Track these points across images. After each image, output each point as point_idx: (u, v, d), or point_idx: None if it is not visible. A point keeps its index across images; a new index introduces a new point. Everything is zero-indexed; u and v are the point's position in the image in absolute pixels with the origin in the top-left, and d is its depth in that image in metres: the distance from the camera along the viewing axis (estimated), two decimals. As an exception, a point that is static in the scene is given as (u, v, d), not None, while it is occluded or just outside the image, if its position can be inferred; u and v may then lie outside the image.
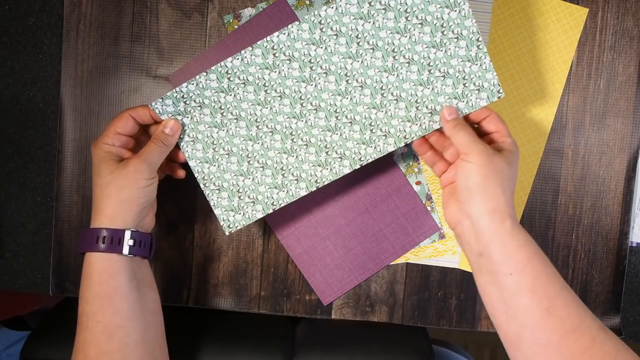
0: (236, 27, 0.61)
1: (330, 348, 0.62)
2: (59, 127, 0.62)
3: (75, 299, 0.65)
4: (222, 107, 0.55)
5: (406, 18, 0.52)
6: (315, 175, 0.56)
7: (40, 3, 0.62)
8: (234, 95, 0.54)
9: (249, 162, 0.56)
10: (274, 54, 0.53)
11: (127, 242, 0.50)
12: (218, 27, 0.62)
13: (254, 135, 0.55)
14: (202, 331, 0.63)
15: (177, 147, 0.56)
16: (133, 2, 0.62)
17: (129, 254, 0.50)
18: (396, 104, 0.54)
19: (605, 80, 0.62)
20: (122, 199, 0.50)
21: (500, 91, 0.53)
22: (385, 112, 0.54)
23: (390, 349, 0.62)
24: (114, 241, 0.50)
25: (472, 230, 0.49)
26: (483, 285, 0.50)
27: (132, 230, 0.51)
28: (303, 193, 0.56)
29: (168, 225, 0.63)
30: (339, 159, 0.55)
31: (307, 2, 0.61)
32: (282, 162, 0.56)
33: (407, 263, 0.63)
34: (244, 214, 0.56)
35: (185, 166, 0.57)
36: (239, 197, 0.56)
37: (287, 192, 0.56)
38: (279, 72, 0.54)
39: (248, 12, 0.61)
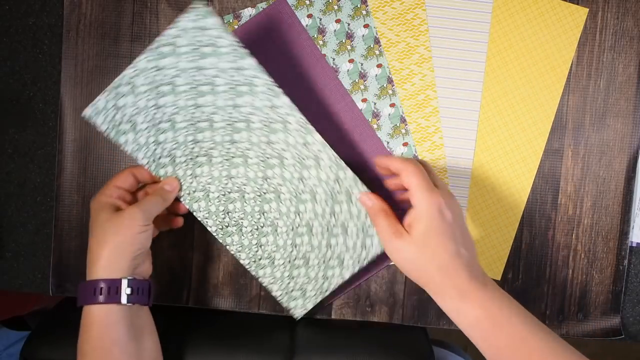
0: (236, 27, 0.61)
1: (330, 348, 0.62)
2: (59, 127, 0.62)
3: (75, 299, 0.65)
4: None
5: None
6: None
7: (40, 3, 0.62)
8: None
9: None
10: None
11: (125, 290, 0.50)
12: (218, 27, 0.62)
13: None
14: (202, 331, 0.63)
15: (178, 200, 0.58)
16: (133, 2, 0.62)
17: (127, 302, 0.50)
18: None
19: (605, 80, 0.62)
20: (116, 244, 0.51)
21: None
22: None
23: (390, 349, 0.62)
24: (112, 291, 0.50)
25: None
26: None
27: (128, 279, 0.51)
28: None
29: (168, 225, 0.63)
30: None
31: (307, 2, 0.61)
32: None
33: (407, 263, 0.63)
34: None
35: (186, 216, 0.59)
36: None
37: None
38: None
39: (248, 12, 0.61)
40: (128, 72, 0.54)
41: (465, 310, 0.48)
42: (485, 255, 0.63)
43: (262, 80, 0.55)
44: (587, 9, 0.61)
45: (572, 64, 0.62)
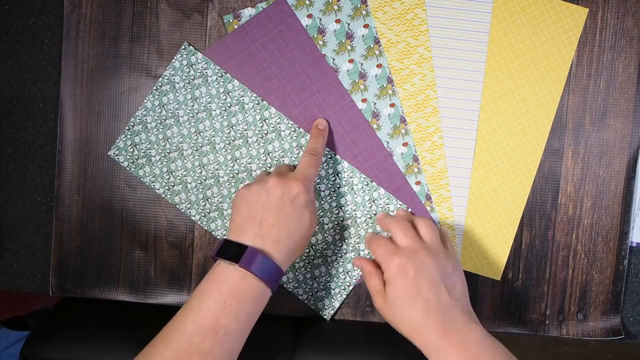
0: (236, 27, 0.61)
1: (330, 348, 0.62)
2: (59, 127, 0.62)
3: (75, 299, 0.65)
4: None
5: None
6: None
7: (40, 3, 0.62)
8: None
9: None
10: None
11: (280, 279, 0.53)
12: (218, 27, 0.62)
13: None
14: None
15: None
16: (133, 2, 0.62)
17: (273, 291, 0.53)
18: None
19: (605, 80, 0.62)
20: (303, 243, 0.55)
21: None
22: None
23: (390, 349, 0.62)
24: (279, 277, 0.52)
25: None
26: None
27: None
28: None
29: (168, 225, 0.63)
30: None
31: (307, 2, 0.61)
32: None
33: (407, 263, 0.63)
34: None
35: None
36: None
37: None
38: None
39: (248, 12, 0.61)
40: (139, 112, 0.61)
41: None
42: (485, 255, 0.63)
43: (249, 97, 0.61)
44: (587, 9, 0.61)
45: (572, 64, 0.62)
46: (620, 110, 0.62)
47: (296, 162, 0.61)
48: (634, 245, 0.63)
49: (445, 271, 0.53)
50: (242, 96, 0.61)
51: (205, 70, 0.61)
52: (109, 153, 0.62)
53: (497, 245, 0.63)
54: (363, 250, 0.62)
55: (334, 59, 0.61)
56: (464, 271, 0.63)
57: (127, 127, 0.62)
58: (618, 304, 0.63)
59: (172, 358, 0.47)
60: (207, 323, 0.48)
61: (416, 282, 0.51)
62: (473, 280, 0.63)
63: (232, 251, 0.50)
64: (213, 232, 0.62)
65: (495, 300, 0.63)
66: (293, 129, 0.61)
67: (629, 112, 0.62)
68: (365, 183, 0.61)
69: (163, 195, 0.62)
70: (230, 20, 0.62)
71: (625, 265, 0.63)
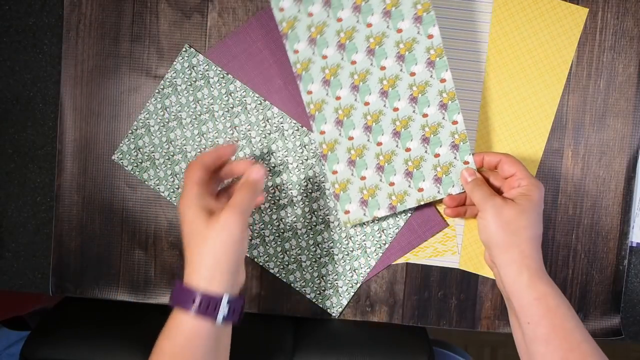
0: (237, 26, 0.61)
1: (330, 348, 0.62)
2: (59, 127, 0.62)
3: (75, 299, 0.65)
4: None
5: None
6: None
7: (40, 3, 0.62)
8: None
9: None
10: None
11: (223, 309, 0.47)
12: (218, 27, 0.62)
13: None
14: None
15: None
16: (133, 2, 0.62)
17: (221, 322, 0.47)
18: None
19: (605, 80, 0.62)
20: (218, 256, 0.47)
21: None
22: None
23: (390, 349, 0.62)
24: (210, 307, 0.47)
25: (499, 276, 0.53)
26: (511, 324, 0.54)
27: (229, 298, 0.48)
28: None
29: (168, 225, 0.63)
30: None
31: (307, 2, 0.61)
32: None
33: (407, 263, 0.63)
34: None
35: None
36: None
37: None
38: None
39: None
40: (141, 116, 0.61)
41: (536, 282, 0.51)
42: (485, 255, 0.63)
43: (251, 98, 0.61)
44: (587, 9, 0.61)
45: (572, 64, 0.62)
46: (620, 110, 0.62)
47: (300, 161, 0.61)
48: (634, 245, 0.63)
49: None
50: (244, 97, 0.61)
51: (207, 72, 0.61)
52: (113, 157, 0.62)
53: (497, 245, 0.63)
54: (370, 248, 0.62)
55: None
56: (465, 271, 0.63)
57: (130, 131, 0.62)
58: (618, 304, 0.63)
59: None
60: None
61: (541, 215, 0.53)
62: (473, 280, 0.63)
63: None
64: None
65: (495, 300, 0.63)
66: (296, 128, 0.61)
67: (629, 112, 0.62)
68: None
69: (168, 198, 0.62)
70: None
71: (625, 265, 0.63)
